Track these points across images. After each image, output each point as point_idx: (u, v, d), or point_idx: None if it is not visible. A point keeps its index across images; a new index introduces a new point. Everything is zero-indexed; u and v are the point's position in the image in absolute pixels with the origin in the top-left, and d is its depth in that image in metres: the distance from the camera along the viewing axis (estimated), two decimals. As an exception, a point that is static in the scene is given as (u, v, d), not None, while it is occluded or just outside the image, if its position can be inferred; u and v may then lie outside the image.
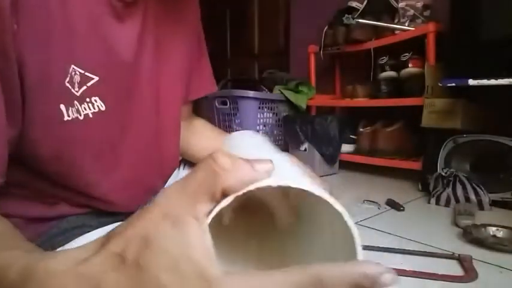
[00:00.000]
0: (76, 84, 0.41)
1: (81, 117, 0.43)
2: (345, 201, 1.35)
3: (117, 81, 0.47)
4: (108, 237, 0.24)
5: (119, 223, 0.25)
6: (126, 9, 0.46)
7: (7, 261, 0.26)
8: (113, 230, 0.24)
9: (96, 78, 0.43)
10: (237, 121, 2.04)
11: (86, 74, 0.42)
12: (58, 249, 0.29)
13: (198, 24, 0.65)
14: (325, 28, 2.00)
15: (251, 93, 1.99)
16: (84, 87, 0.42)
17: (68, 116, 0.41)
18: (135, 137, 0.52)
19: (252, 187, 0.22)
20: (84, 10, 0.41)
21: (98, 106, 0.44)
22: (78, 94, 0.42)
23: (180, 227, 0.22)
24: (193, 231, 0.22)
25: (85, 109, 0.43)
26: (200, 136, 0.70)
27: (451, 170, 1.28)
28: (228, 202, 0.22)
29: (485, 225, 0.99)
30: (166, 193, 0.24)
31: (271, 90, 2.19)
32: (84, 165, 0.46)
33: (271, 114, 2.09)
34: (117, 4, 0.44)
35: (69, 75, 0.41)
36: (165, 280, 0.20)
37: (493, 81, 1.17)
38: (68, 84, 0.41)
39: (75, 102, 0.42)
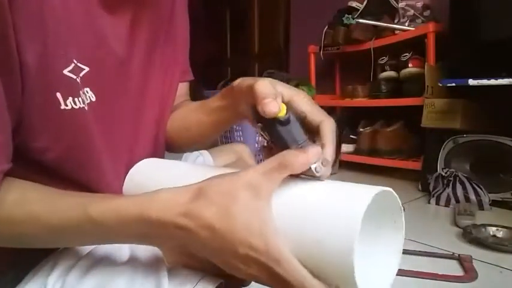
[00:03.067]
0: (74, 74, 0.41)
1: (85, 107, 0.42)
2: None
3: (107, 73, 0.46)
4: (198, 194, 0.34)
5: None
6: (115, 1, 0.45)
7: (121, 205, 0.36)
8: (203, 187, 0.35)
9: (87, 69, 0.42)
10: (237, 121, 2.04)
11: (78, 64, 0.41)
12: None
13: (186, 14, 0.65)
14: (325, 28, 2.00)
15: (251, 93, 1.98)
16: (78, 78, 0.42)
17: (66, 105, 0.40)
18: (120, 130, 0.51)
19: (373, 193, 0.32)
20: None
21: (89, 97, 0.43)
22: (80, 84, 0.41)
23: (260, 198, 0.33)
24: (266, 203, 0.34)
25: (83, 100, 0.43)
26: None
27: (451, 170, 1.28)
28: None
29: (485, 225, 0.99)
30: (249, 169, 0.35)
31: (271, 90, 2.19)
32: (84, 156, 0.45)
33: (271, 114, 2.09)
34: None
35: (72, 65, 0.40)
36: (239, 237, 0.32)
37: (493, 81, 1.17)
38: (69, 74, 0.40)
39: (80, 92, 0.42)
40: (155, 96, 0.57)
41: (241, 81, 0.45)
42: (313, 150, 0.36)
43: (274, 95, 0.39)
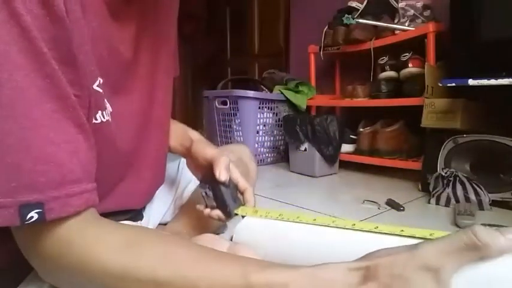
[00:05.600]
0: (101, 88, 0.41)
1: (109, 119, 0.43)
2: (345, 201, 1.35)
3: (116, 80, 0.47)
4: (367, 276, 0.30)
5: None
6: (121, 7, 0.45)
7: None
8: (371, 267, 0.30)
9: (103, 80, 0.42)
10: (237, 121, 2.04)
11: (99, 78, 0.41)
12: None
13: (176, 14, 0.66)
14: (325, 28, 2.00)
15: (251, 93, 1.99)
16: (103, 92, 0.42)
17: (96, 119, 0.41)
18: (128, 138, 0.51)
19: None
20: (92, 9, 0.41)
21: (108, 108, 0.44)
22: (104, 97, 0.42)
23: (439, 283, 0.28)
24: None
25: (107, 113, 0.43)
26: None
27: (451, 170, 1.28)
28: None
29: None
30: (426, 246, 0.30)
31: (271, 90, 2.19)
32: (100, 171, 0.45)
33: (271, 114, 2.09)
34: (112, 1, 0.44)
35: (98, 79, 0.40)
36: None
37: (493, 81, 1.17)
38: (98, 88, 0.40)
39: (106, 104, 0.42)
40: (161, 101, 0.57)
41: (200, 145, 0.65)
42: None
43: (227, 167, 0.57)
